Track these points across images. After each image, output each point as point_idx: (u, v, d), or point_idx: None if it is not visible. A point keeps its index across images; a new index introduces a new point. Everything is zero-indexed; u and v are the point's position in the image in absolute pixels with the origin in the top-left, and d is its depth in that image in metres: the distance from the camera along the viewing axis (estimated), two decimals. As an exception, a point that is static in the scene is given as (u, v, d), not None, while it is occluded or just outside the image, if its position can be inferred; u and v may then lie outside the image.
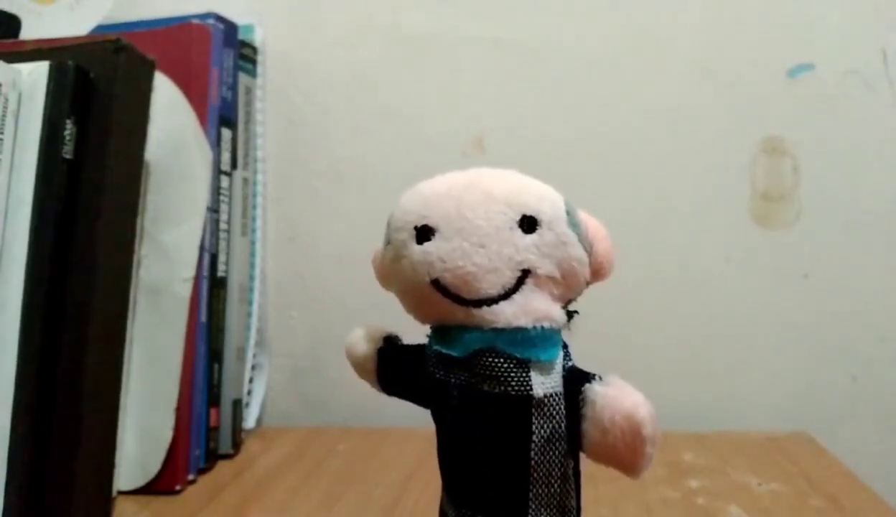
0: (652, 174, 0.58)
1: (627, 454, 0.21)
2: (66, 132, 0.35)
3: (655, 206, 0.58)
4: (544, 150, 0.58)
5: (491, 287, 0.23)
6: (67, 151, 0.35)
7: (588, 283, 0.25)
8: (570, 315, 0.25)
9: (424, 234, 0.23)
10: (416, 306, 0.25)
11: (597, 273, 0.24)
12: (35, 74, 0.36)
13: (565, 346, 0.24)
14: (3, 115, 0.35)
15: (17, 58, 0.36)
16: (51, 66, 0.36)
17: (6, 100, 0.35)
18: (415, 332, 0.27)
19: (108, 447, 0.38)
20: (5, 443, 0.33)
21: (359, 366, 0.28)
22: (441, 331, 0.24)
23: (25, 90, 0.36)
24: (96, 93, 0.36)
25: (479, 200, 0.23)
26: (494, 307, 0.23)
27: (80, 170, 0.36)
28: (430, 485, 0.46)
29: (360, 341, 0.28)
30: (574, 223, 0.24)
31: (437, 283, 0.23)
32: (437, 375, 0.24)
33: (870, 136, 0.56)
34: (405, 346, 0.27)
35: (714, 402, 0.57)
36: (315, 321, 0.62)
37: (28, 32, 0.46)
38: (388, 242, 0.25)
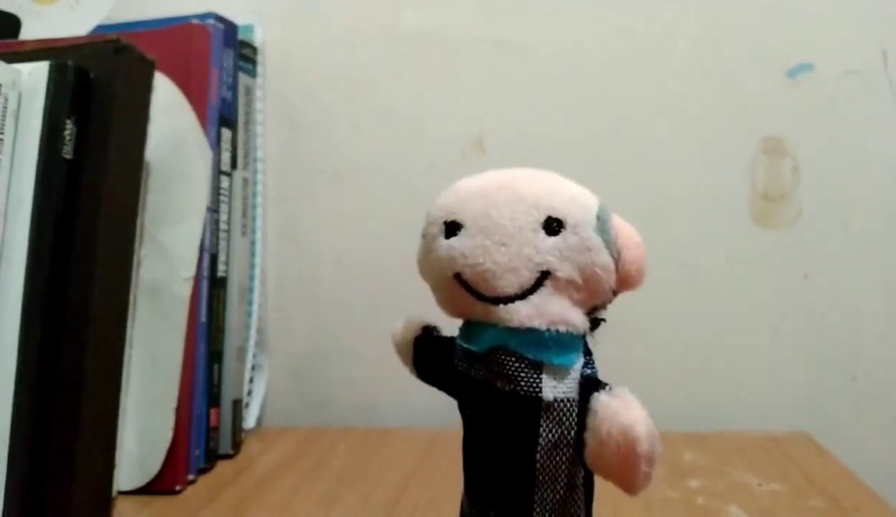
0: (652, 174, 0.58)
1: (622, 470, 0.21)
2: (66, 132, 0.35)
3: (655, 205, 0.58)
4: (544, 150, 0.58)
5: (508, 286, 0.23)
6: (67, 151, 0.35)
7: (616, 292, 0.24)
8: (596, 323, 0.24)
9: (452, 229, 0.24)
10: (443, 299, 0.25)
11: (625, 281, 0.24)
12: (35, 74, 0.36)
13: (589, 353, 0.24)
14: (3, 115, 0.35)
15: (17, 58, 0.36)
16: (51, 66, 0.36)
17: (6, 100, 0.35)
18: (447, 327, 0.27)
19: (108, 447, 0.38)
20: (5, 443, 0.33)
21: (400, 352, 0.29)
22: (467, 326, 0.25)
23: (25, 90, 0.36)
24: (96, 93, 0.36)
25: (508, 200, 0.23)
26: (510, 306, 0.23)
27: (80, 170, 0.36)
28: (430, 485, 0.46)
29: (402, 329, 0.29)
30: (603, 229, 0.23)
31: (459, 278, 0.24)
32: (461, 368, 0.25)
33: (870, 136, 0.56)
34: (440, 337, 0.28)
35: (714, 402, 0.57)
36: (315, 321, 0.61)
37: (28, 32, 0.46)
38: (423, 236, 0.26)
